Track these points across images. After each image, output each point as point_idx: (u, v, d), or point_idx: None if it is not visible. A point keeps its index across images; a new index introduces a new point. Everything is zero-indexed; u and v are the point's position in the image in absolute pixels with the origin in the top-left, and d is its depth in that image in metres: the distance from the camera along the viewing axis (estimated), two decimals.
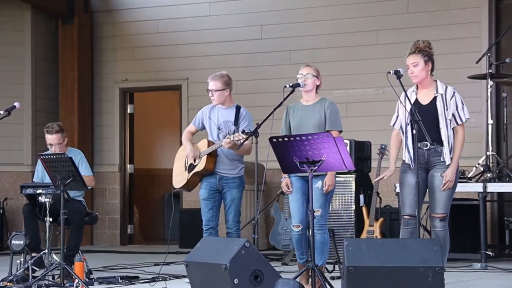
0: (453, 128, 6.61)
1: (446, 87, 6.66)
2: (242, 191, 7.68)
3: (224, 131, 7.55)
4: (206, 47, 12.22)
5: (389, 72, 6.62)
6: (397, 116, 6.78)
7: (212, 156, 7.56)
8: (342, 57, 11.37)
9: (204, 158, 7.55)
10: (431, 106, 6.60)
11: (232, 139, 7.23)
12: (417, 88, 6.73)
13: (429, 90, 6.68)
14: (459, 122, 6.60)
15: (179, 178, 7.77)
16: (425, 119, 6.45)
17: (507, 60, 9.58)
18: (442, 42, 10.51)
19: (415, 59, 6.64)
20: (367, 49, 11.26)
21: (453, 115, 6.59)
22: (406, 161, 6.69)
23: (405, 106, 6.63)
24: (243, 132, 7.24)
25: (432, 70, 6.69)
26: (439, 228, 6.62)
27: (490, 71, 9.27)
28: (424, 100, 6.65)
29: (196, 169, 7.59)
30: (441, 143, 6.56)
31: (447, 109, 6.58)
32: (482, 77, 9.41)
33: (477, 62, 9.49)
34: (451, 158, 6.56)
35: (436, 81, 6.71)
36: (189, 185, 7.72)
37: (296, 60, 11.22)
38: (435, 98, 6.63)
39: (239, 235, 7.62)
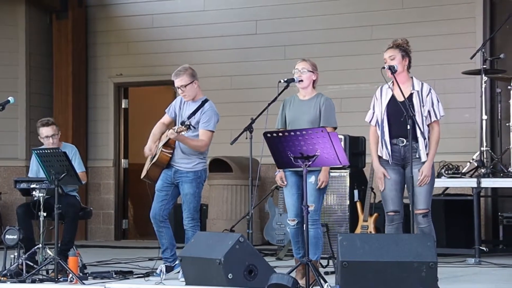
0: (428, 125, 6.66)
1: (422, 84, 6.75)
2: (198, 187, 7.46)
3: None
4: (201, 42, 12.20)
5: (384, 68, 6.65)
6: (373, 113, 6.81)
7: (169, 147, 7.44)
8: (336, 53, 11.36)
9: (160, 148, 7.50)
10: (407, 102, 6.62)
11: (176, 131, 7.21)
12: (392, 84, 6.76)
13: (404, 86, 6.72)
14: (434, 119, 6.66)
15: (144, 169, 7.72)
16: (400, 115, 6.51)
17: (502, 55, 9.59)
18: (437, 38, 10.54)
19: (393, 52, 6.74)
20: (361, 45, 11.26)
21: (429, 111, 6.65)
22: (384, 157, 6.72)
23: (381, 102, 6.65)
24: (182, 123, 7.20)
25: (409, 67, 6.75)
26: (423, 224, 6.67)
27: (484, 66, 9.28)
28: (400, 97, 6.67)
29: (153, 160, 7.52)
30: (416, 139, 6.60)
31: (423, 106, 6.64)
32: (477, 72, 9.41)
33: (471, 58, 9.48)
34: (427, 154, 6.61)
35: (412, 77, 6.76)
36: (150, 176, 7.56)
37: (290, 55, 11.21)
38: (411, 94, 6.67)
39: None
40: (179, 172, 7.47)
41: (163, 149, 7.44)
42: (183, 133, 7.21)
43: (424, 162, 6.61)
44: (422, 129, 6.58)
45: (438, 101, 6.70)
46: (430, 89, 6.71)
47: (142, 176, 7.69)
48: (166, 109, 7.72)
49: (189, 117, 7.41)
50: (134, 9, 12.74)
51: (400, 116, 6.50)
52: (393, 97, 6.67)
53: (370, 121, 6.84)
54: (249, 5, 12.02)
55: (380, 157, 6.74)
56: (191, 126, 7.17)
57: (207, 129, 7.42)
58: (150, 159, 7.59)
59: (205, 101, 7.53)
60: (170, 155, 7.46)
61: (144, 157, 7.66)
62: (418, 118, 6.60)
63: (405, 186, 6.74)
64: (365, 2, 11.33)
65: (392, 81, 6.74)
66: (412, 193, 6.57)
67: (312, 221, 6.86)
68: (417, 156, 6.61)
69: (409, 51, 6.77)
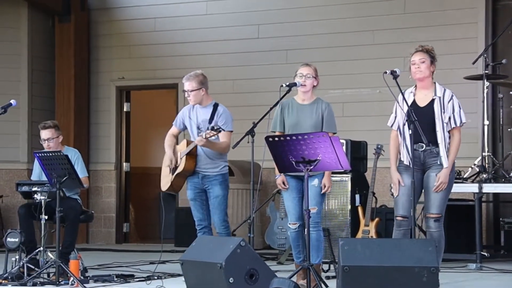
0: (449, 131, 6.63)
1: (445, 90, 6.69)
2: (226, 189, 7.57)
3: (204, 130, 7.53)
4: (203, 46, 12.22)
5: (386, 72, 6.62)
6: (395, 117, 6.77)
7: (192, 155, 7.53)
8: (338, 57, 11.38)
9: (184, 158, 7.54)
10: (428, 108, 6.61)
11: (204, 137, 7.25)
12: (415, 89, 6.74)
13: (428, 91, 6.69)
14: (453, 125, 6.61)
15: (165, 181, 7.76)
16: (422, 120, 6.46)
17: (504, 61, 9.58)
18: (439, 43, 10.48)
19: (423, 56, 6.68)
20: (363, 49, 11.26)
21: (450, 118, 6.61)
22: (405, 162, 6.69)
23: (401, 107, 6.65)
24: (212, 128, 7.25)
25: (433, 73, 6.73)
26: (434, 228, 6.61)
27: (486, 71, 9.28)
28: (422, 102, 6.66)
29: (177, 171, 7.58)
30: (437, 145, 6.58)
31: (444, 112, 6.60)
32: (479, 77, 9.42)
33: (473, 63, 9.49)
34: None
35: (435, 83, 6.73)
36: (174, 187, 7.68)
37: (292, 59, 11.21)
38: (433, 100, 6.64)
39: (229, 235, 7.57)
40: (207, 177, 7.54)
41: (187, 159, 7.50)
42: (212, 138, 7.26)
43: (443, 168, 6.57)
44: (443, 136, 6.55)
45: (460, 108, 6.64)
46: (452, 96, 6.65)
47: (165, 189, 7.74)
48: (173, 121, 7.78)
49: (209, 123, 7.47)
50: (136, 12, 12.75)
51: (421, 121, 6.44)
52: (414, 102, 6.65)
53: (391, 126, 6.79)
54: (252, 9, 12.03)
55: (401, 162, 6.71)
56: (220, 129, 7.21)
57: (227, 130, 7.49)
58: (171, 171, 7.63)
59: (216, 105, 7.60)
60: (195, 163, 7.53)
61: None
62: (438, 125, 6.56)
63: (422, 191, 6.70)
64: (367, 7, 11.33)
65: (415, 86, 6.73)
66: (414, 198, 6.52)
67: (314, 224, 6.86)
68: (439, 163, 6.58)
69: (435, 59, 6.74)
